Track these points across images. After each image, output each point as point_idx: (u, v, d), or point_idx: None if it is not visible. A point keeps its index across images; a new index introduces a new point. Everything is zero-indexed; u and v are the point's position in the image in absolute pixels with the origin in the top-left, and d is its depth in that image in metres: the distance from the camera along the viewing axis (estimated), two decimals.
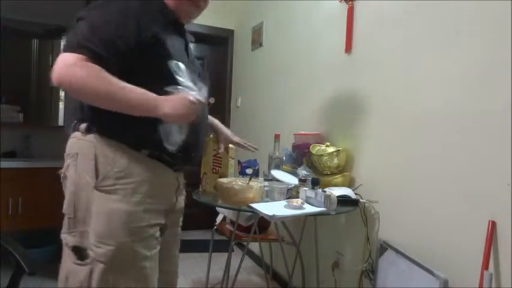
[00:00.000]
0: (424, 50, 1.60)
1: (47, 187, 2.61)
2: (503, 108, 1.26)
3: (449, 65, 1.48)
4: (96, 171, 1.09)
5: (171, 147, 1.13)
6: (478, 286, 1.28)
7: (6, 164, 2.63)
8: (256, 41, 3.31)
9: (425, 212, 1.56)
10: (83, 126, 1.13)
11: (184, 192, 1.37)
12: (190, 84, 1.13)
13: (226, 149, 1.86)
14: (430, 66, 1.56)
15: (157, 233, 1.19)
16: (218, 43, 3.89)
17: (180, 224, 1.40)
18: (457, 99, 1.44)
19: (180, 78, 1.12)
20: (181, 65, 1.14)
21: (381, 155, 1.82)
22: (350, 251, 2.00)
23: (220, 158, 1.86)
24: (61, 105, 3.29)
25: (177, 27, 1.24)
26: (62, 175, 1.18)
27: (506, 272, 1.24)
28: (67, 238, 1.14)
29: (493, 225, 1.27)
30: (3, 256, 1.17)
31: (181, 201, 1.35)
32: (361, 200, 1.84)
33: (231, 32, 3.84)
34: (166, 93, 1.09)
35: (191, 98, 1.08)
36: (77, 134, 1.15)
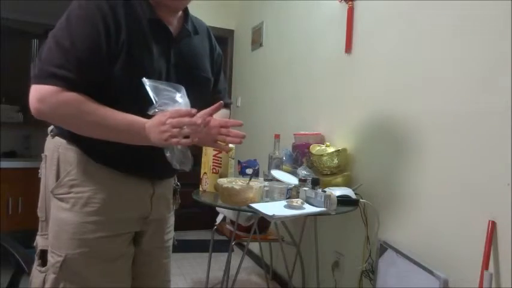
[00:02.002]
0: (424, 50, 1.60)
1: None
2: (503, 108, 1.26)
3: (449, 65, 1.48)
4: (57, 176, 1.06)
5: (178, 166, 1.01)
6: (478, 286, 1.27)
7: (6, 164, 2.64)
8: (256, 41, 3.31)
9: (425, 212, 1.56)
10: (50, 128, 1.11)
11: (168, 198, 1.26)
12: (166, 101, 0.96)
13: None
14: (430, 66, 1.56)
15: (123, 244, 1.11)
16: (218, 43, 3.87)
17: (168, 231, 1.28)
18: (457, 99, 1.44)
19: (154, 97, 0.96)
20: (148, 82, 0.96)
21: (381, 155, 1.82)
22: (350, 251, 2.00)
23: (220, 158, 1.86)
24: None
25: (155, 27, 1.06)
26: (39, 176, 1.17)
27: (506, 272, 1.24)
28: (38, 240, 1.13)
29: (493, 225, 1.27)
30: (3, 256, 1.17)
31: (160, 208, 1.21)
32: (361, 200, 1.84)
33: (231, 32, 3.84)
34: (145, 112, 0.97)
35: (167, 119, 0.93)
36: (48, 136, 1.13)
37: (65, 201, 1.05)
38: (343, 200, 1.72)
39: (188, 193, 1.70)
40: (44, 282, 1.06)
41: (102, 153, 1.06)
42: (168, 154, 0.99)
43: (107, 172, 1.07)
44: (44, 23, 3.16)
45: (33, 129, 3.15)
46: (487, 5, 1.33)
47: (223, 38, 3.85)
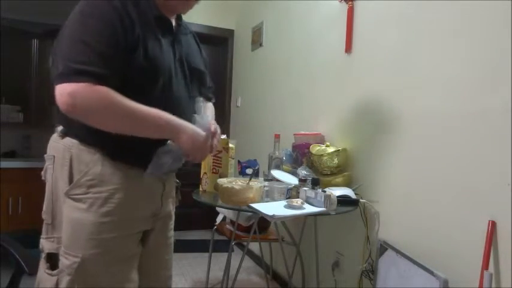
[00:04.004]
0: (424, 49, 1.60)
1: None
2: (503, 108, 1.26)
3: (449, 65, 1.48)
4: (70, 177, 1.05)
5: (156, 172, 1.08)
6: (478, 286, 1.27)
7: (6, 164, 2.64)
8: (256, 41, 3.31)
9: (425, 212, 1.56)
10: (59, 128, 1.09)
11: (173, 195, 1.30)
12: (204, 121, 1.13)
13: (226, 149, 1.86)
14: (430, 66, 1.56)
15: (135, 243, 1.13)
16: (218, 43, 3.89)
17: (171, 227, 1.31)
18: (457, 99, 1.44)
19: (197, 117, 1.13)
20: (199, 103, 1.16)
21: (380, 155, 1.82)
22: (350, 251, 2.00)
23: (220, 158, 1.86)
24: None
25: (162, 23, 1.11)
26: (42, 178, 1.15)
27: (506, 272, 1.24)
28: (43, 244, 1.12)
29: (493, 225, 1.27)
30: (3, 256, 1.17)
31: (168, 205, 1.26)
32: (361, 200, 1.84)
33: (231, 32, 3.84)
34: (162, 102, 1.05)
35: (207, 139, 1.11)
36: (54, 135, 1.11)
37: (82, 202, 1.04)
38: (343, 200, 1.72)
39: (188, 193, 1.70)
40: (57, 285, 1.05)
41: (121, 151, 1.07)
42: (168, 151, 1.07)
43: (124, 171, 1.07)
44: (44, 23, 3.17)
45: (33, 129, 3.15)
46: (487, 5, 1.33)
47: (223, 38, 3.85)
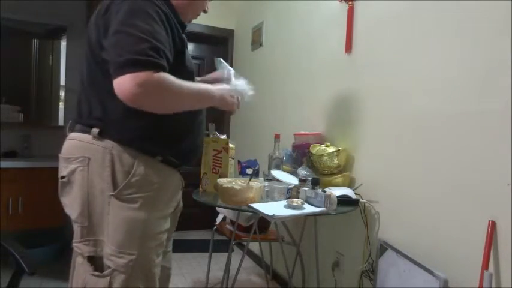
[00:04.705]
0: (424, 49, 1.60)
1: (47, 187, 2.62)
2: (503, 108, 1.26)
3: (449, 65, 1.48)
4: (113, 179, 1.06)
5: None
6: (478, 286, 1.27)
7: (6, 164, 2.63)
8: (256, 41, 3.31)
9: (425, 212, 1.56)
10: (95, 130, 1.08)
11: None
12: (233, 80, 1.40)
13: (227, 149, 1.86)
14: (430, 65, 1.56)
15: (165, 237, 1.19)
16: (218, 43, 3.89)
17: (176, 223, 1.40)
18: (457, 99, 1.44)
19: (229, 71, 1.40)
20: (222, 61, 1.41)
21: (380, 155, 1.82)
22: (350, 251, 2.00)
23: (220, 158, 1.86)
24: (61, 105, 3.29)
25: (182, 27, 1.20)
26: (63, 180, 1.12)
27: (506, 272, 1.24)
28: (81, 248, 1.10)
29: (493, 225, 1.27)
30: (3, 256, 1.17)
31: (181, 199, 1.36)
32: (361, 200, 1.84)
33: (231, 32, 3.84)
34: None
35: (234, 96, 1.32)
36: (83, 136, 1.10)
37: (134, 201, 1.08)
38: (343, 200, 1.72)
39: (188, 193, 1.70)
40: (110, 285, 1.06)
41: (166, 148, 1.15)
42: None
43: (162, 169, 1.15)
44: (44, 23, 3.16)
45: (33, 129, 3.15)
46: (487, 5, 1.33)
47: (223, 38, 3.85)
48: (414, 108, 1.63)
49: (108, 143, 1.07)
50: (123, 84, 0.96)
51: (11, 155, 2.98)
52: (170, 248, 1.41)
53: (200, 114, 1.29)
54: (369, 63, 1.91)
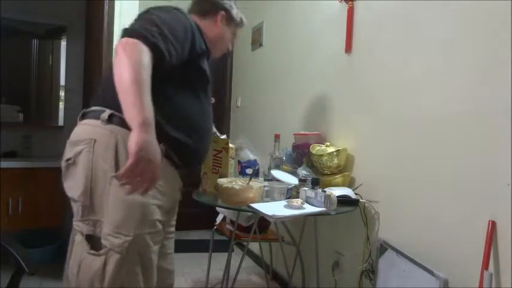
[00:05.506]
0: (424, 49, 1.60)
1: (47, 187, 2.62)
2: (503, 108, 1.26)
3: (449, 65, 1.48)
4: (116, 161, 1.09)
5: None
6: (478, 286, 1.27)
7: (6, 164, 2.63)
8: (256, 41, 3.31)
9: (425, 212, 1.56)
10: (105, 114, 1.12)
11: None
12: None
13: (227, 149, 1.86)
14: (430, 66, 1.56)
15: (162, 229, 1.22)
16: None
17: (173, 223, 1.43)
18: (457, 99, 1.44)
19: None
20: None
21: (380, 155, 1.82)
22: (350, 251, 2.00)
23: (220, 158, 1.86)
24: (61, 105, 3.29)
25: (207, 56, 1.36)
26: (68, 162, 1.14)
27: (506, 272, 1.24)
28: (80, 226, 1.13)
29: (493, 225, 1.27)
30: (3, 256, 1.17)
31: (178, 199, 1.40)
32: (361, 200, 1.84)
33: None
34: (197, 104, 1.27)
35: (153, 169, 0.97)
36: (93, 121, 1.15)
37: None
38: (343, 200, 1.72)
39: (188, 193, 1.70)
40: (105, 265, 1.08)
41: (169, 143, 1.17)
42: None
43: (164, 162, 1.16)
44: (44, 23, 3.16)
45: (33, 129, 3.15)
46: (487, 5, 1.33)
47: None
48: (414, 108, 1.63)
49: (115, 128, 1.11)
50: (119, 42, 1.04)
51: (11, 155, 2.98)
52: (172, 251, 1.41)
53: (209, 121, 1.36)
54: (369, 63, 1.91)
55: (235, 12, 1.57)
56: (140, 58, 1.01)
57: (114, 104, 1.09)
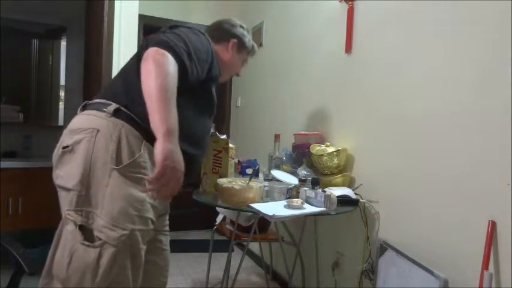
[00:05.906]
0: (424, 49, 1.60)
1: (47, 187, 2.60)
2: (503, 108, 1.26)
3: (449, 65, 1.48)
4: (118, 154, 1.09)
5: None
6: (478, 286, 1.27)
7: (6, 164, 2.63)
8: (256, 41, 3.29)
9: (425, 212, 1.56)
10: (111, 107, 1.13)
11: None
12: None
13: (226, 149, 1.86)
14: (430, 66, 1.56)
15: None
16: None
17: (167, 223, 1.44)
18: (457, 99, 1.44)
19: None
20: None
21: (380, 155, 1.82)
22: (350, 251, 2.00)
23: (220, 158, 1.86)
24: (61, 105, 3.29)
25: (216, 82, 1.41)
26: (65, 149, 1.12)
27: (506, 272, 1.24)
28: (73, 215, 1.09)
29: (493, 225, 1.27)
30: (3, 256, 1.17)
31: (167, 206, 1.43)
32: (361, 200, 1.84)
33: None
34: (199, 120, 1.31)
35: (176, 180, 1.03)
36: (97, 112, 1.14)
37: (133, 180, 1.11)
38: (343, 200, 1.72)
39: (188, 193, 1.70)
40: (99, 257, 1.06)
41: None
42: None
43: None
44: (44, 23, 3.16)
45: (33, 129, 3.15)
46: (487, 5, 1.33)
47: None
48: (414, 107, 1.63)
49: (119, 122, 1.12)
50: (149, 50, 1.08)
51: (11, 155, 2.98)
52: (167, 247, 1.42)
53: (207, 132, 1.39)
54: (369, 63, 1.91)
55: (248, 39, 1.58)
56: (169, 68, 1.06)
57: (124, 100, 1.14)
